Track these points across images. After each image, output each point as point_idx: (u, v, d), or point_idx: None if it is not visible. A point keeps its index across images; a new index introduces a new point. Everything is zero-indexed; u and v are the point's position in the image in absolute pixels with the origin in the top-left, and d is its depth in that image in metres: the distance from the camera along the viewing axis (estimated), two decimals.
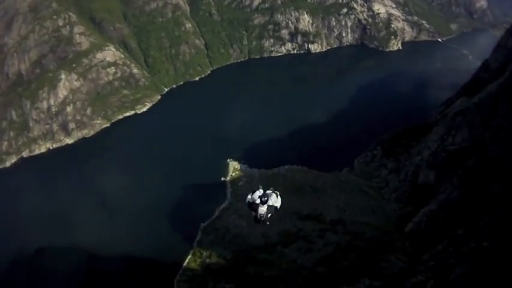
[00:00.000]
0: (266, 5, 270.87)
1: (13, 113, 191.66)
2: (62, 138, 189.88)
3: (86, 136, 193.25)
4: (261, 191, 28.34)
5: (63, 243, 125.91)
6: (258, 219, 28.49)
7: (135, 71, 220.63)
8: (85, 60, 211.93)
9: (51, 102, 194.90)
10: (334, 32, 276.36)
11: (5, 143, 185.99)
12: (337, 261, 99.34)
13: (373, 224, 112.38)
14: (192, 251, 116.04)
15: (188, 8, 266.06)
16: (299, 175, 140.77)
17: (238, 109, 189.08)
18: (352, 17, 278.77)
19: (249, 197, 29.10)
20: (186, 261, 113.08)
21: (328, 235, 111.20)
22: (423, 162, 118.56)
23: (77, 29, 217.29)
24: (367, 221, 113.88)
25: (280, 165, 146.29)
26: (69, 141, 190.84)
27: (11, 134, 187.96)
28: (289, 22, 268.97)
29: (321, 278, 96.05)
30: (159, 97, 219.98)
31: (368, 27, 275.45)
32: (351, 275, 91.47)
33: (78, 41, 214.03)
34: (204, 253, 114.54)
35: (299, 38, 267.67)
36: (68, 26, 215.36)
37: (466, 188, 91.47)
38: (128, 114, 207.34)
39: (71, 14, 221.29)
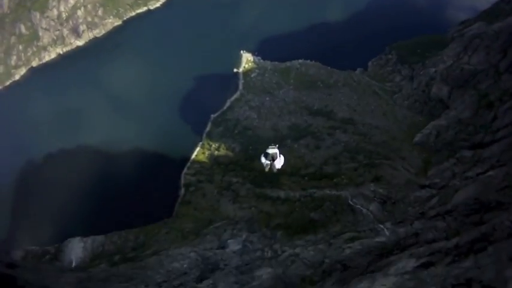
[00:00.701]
0: None
1: (22, 27, 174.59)
2: (72, 41, 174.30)
3: (97, 36, 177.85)
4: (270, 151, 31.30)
5: (72, 146, 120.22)
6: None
7: None
8: None
9: (61, 8, 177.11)
10: None
11: (14, 57, 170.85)
12: (344, 162, 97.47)
13: (383, 127, 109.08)
14: (201, 143, 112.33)
15: None
16: (312, 70, 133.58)
17: (254, 2, 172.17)
18: None
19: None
20: (195, 153, 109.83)
21: (337, 133, 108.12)
22: (437, 75, 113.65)
23: None
24: (378, 124, 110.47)
25: (294, 59, 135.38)
26: (79, 43, 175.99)
27: (20, 47, 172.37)
28: None
29: (327, 176, 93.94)
30: None
31: None
32: (357, 178, 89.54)
33: None
34: (213, 145, 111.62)
35: None
36: None
37: (477, 111, 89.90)
38: (140, 10, 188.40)
39: None
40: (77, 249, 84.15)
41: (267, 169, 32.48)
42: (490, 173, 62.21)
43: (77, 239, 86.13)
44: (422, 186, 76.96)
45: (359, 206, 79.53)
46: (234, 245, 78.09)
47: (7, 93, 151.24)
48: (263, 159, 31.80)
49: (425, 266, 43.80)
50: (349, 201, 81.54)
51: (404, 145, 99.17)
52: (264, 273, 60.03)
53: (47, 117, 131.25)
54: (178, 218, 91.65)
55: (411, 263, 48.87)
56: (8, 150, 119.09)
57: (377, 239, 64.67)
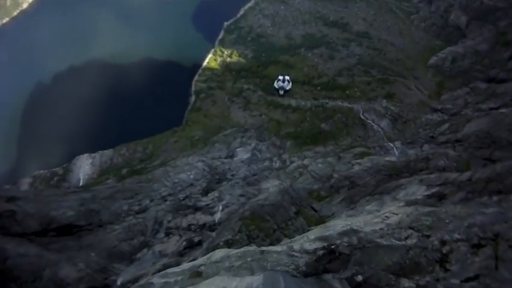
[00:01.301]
0: None
1: None
2: None
3: None
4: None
5: (82, 62, 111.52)
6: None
7: None
8: None
9: None
10: None
11: None
12: (358, 74, 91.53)
13: (398, 45, 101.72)
14: (213, 50, 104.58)
15: None
16: None
17: None
18: None
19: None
20: (206, 60, 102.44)
21: (352, 46, 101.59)
22: (456, 2, 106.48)
23: None
24: (393, 41, 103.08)
25: None
26: None
27: None
28: None
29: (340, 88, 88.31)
30: None
31: None
32: (369, 93, 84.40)
33: None
34: (225, 52, 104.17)
35: None
36: None
37: (495, 46, 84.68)
38: None
39: None
40: (85, 167, 80.00)
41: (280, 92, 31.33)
42: (503, 110, 58.70)
43: (85, 155, 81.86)
44: (434, 110, 73.01)
45: (370, 121, 73.97)
46: (242, 154, 73.33)
47: (16, 22, 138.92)
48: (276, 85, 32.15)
49: (438, 197, 39.06)
50: (361, 115, 76.18)
51: (418, 66, 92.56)
52: (271, 185, 54.75)
53: (56, 39, 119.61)
54: (188, 126, 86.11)
55: (421, 190, 43.89)
56: (16, 75, 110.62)
57: (387, 158, 58.96)
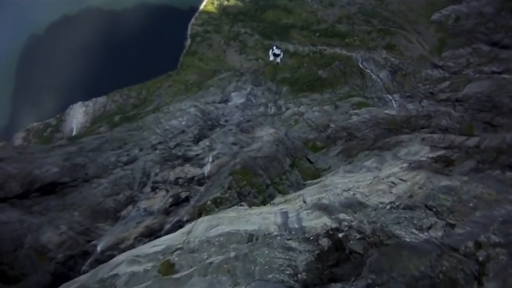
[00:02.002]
0: None
1: None
2: None
3: None
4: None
5: (75, 11, 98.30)
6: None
7: None
8: None
9: None
10: None
11: None
12: (358, 23, 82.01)
13: None
14: None
15: None
16: None
17: None
18: None
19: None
20: (203, 3, 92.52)
21: None
22: None
23: None
24: None
25: None
26: None
27: None
28: None
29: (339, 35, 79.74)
30: None
31: None
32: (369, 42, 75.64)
33: None
34: None
35: None
36: None
37: (500, 11, 75.36)
38: None
39: None
40: (78, 115, 73.09)
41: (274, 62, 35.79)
42: (505, 75, 53.69)
43: (79, 104, 74.59)
44: (435, 66, 65.52)
45: (369, 71, 67.08)
46: (237, 99, 66.55)
47: None
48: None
49: (444, 161, 34.05)
50: (360, 64, 69.04)
51: (421, 20, 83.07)
52: (266, 134, 48.32)
53: None
54: (183, 70, 78.56)
55: (425, 151, 38.50)
56: (8, 28, 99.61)
57: (386, 111, 52.58)
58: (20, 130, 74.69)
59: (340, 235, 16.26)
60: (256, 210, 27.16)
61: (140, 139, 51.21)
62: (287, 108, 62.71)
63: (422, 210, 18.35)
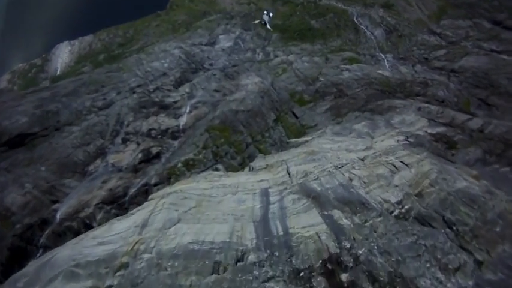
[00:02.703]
0: None
1: None
2: None
3: None
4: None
5: None
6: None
7: None
8: None
9: None
10: None
11: None
12: None
13: None
14: None
15: None
16: None
17: None
18: None
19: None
20: None
21: None
22: None
23: None
24: None
25: None
26: None
27: None
28: None
29: None
30: None
31: None
32: (366, 0, 67.17)
33: None
34: None
35: None
36: None
37: None
38: None
39: None
40: (63, 55, 65.54)
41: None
42: (504, 56, 47.68)
43: (65, 43, 66.86)
44: (432, 32, 57.58)
45: (363, 27, 59.47)
46: (224, 42, 58.82)
47: None
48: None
49: (446, 142, 29.84)
50: (354, 19, 60.95)
51: None
52: (251, 82, 41.73)
53: None
54: (172, 10, 69.97)
55: (422, 123, 33.18)
56: None
57: (379, 71, 46.40)
58: (6, 73, 67.26)
59: (343, 277, 10.58)
60: (232, 180, 21.34)
61: (119, 81, 44.10)
62: (275, 56, 55.40)
63: (442, 230, 12.81)
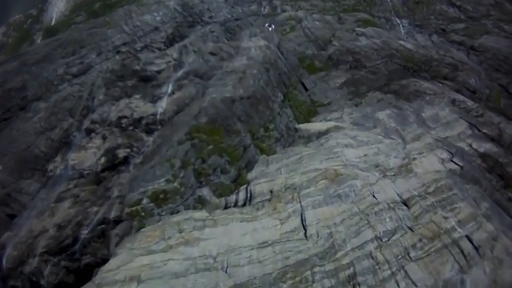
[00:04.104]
0: None
1: None
2: None
3: None
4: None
5: None
6: None
7: None
8: None
9: None
10: None
11: None
12: None
13: None
14: None
15: None
16: None
17: None
18: None
19: None
20: None
21: None
22: None
23: None
24: None
25: None
26: None
27: None
28: None
29: None
30: None
31: None
32: None
33: None
34: None
35: None
36: None
37: None
38: None
39: None
40: (59, 3, 50.96)
41: None
42: None
43: None
44: (452, 4, 42.83)
45: None
46: None
47: None
48: None
49: (499, 174, 19.28)
50: None
51: None
52: (254, 46, 29.10)
53: None
54: None
55: (461, 127, 22.14)
56: None
57: (401, 42, 33.78)
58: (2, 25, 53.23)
59: None
60: (218, 243, 10.54)
61: (102, 39, 31.16)
62: (283, 10, 41.47)
63: None
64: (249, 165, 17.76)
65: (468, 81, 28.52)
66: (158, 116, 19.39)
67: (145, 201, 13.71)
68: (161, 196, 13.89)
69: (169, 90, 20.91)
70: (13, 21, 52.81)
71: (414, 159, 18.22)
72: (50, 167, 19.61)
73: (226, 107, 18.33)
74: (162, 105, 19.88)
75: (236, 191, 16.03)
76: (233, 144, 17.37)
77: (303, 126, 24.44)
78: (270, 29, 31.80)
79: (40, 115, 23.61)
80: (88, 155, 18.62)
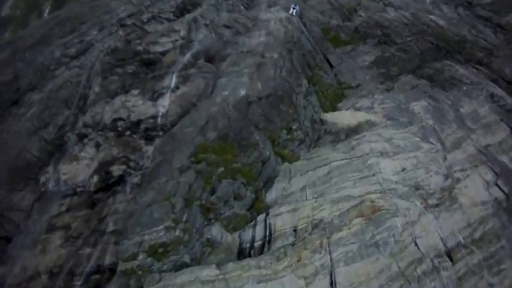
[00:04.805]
0: None
1: None
2: None
3: None
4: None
5: None
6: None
7: None
8: None
9: None
10: None
11: None
12: None
13: None
14: None
15: None
16: None
17: None
18: None
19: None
20: None
21: None
22: None
23: None
24: None
25: None
26: None
27: None
28: None
29: None
30: None
31: None
32: None
33: None
34: None
35: None
36: None
37: None
38: None
39: None
40: None
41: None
42: None
43: None
44: None
45: None
46: None
47: None
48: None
49: None
50: None
51: None
52: (274, 18, 23.19)
53: None
54: None
55: (502, 133, 17.57)
56: None
57: (432, 17, 26.71)
58: None
59: None
60: None
61: (104, 12, 25.60)
62: None
63: None
64: (269, 182, 13.22)
65: (504, 69, 22.55)
66: (159, 120, 14.49)
67: (141, 256, 9.56)
68: (160, 250, 9.73)
69: (173, 84, 15.73)
70: None
71: (458, 180, 14.14)
72: (43, 178, 15.48)
73: (240, 114, 13.21)
74: (164, 104, 14.90)
75: (253, 223, 11.72)
76: (249, 162, 12.64)
77: (329, 116, 19.25)
78: (294, 11, 25.12)
79: (33, 110, 18.98)
80: (81, 168, 14.29)
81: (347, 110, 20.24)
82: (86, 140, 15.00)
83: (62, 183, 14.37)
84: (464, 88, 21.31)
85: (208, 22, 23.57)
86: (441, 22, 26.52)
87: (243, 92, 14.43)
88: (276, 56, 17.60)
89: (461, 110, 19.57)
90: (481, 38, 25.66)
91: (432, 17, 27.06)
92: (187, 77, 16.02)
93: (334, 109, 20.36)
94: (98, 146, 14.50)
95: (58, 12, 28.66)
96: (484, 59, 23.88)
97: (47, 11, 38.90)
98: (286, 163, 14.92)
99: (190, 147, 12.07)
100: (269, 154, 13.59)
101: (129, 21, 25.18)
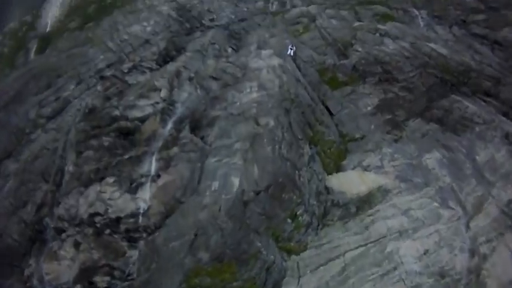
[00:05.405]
0: None
1: None
2: None
3: None
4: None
5: None
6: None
7: None
8: None
9: None
10: None
11: None
12: None
13: None
14: None
15: None
16: None
17: None
18: None
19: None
20: None
21: None
22: None
23: None
24: None
25: None
26: None
27: None
28: None
29: None
30: None
31: None
32: None
33: None
34: None
35: None
36: None
37: None
38: None
39: None
40: (54, 8, 40.19)
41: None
42: None
43: None
44: None
45: None
46: None
47: None
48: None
49: None
50: None
51: None
52: (266, 66, 20.74)
53: None
54: None
55: None
56: None
57: (432, 45, 23.92)
58: None
59: None
60: None
61: (82, 63, 22.86)
62: (293, 6, 31.20)
63: None
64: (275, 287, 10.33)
65: None
66: (140, 220, 11.62)
67: None
68: None
69: (153, 170, 12.78)
70: (8, 29, 43.37)
71: (485, 258, 12.26)
72: (27, 272, 12.56)
73: (235, 223, 10.36)
74: (145, 199, 12.01)
75: None
76: (252, 276, 9.86)
77: (335, 182, 16.41)
78: (291, 51, 22.75)
79: (10, 184, 16.15)
80: (63, 268, 11.45)
81: (353, 169, 17.56)
82: (63, 235, 12.07)
83: (47, 283, 11.57)
84: (477, 129, 18.63)
85: (192, 74, 20.87)
86: (442, 51, 23.94)
87: (236, 183, 11.60)
88: (272, 123, 14.82)
89: (478, 158, 16.92)
90: (485, 64, 23.07)
91: (432, 45, 24.49)
92: (169, 160, 13.12)
93: (339, 168, 17.60)
94: (77, 244, 11.55)
95: (34, 63, 25.73)
96: (491, 89, 21.20)
97: (33, 51, 36.18)
98: (293, 256, 12.09)
99: (180, 273, 9.19)
100: (273, 258, 10.76)
101: (108, 72, 22.54)
